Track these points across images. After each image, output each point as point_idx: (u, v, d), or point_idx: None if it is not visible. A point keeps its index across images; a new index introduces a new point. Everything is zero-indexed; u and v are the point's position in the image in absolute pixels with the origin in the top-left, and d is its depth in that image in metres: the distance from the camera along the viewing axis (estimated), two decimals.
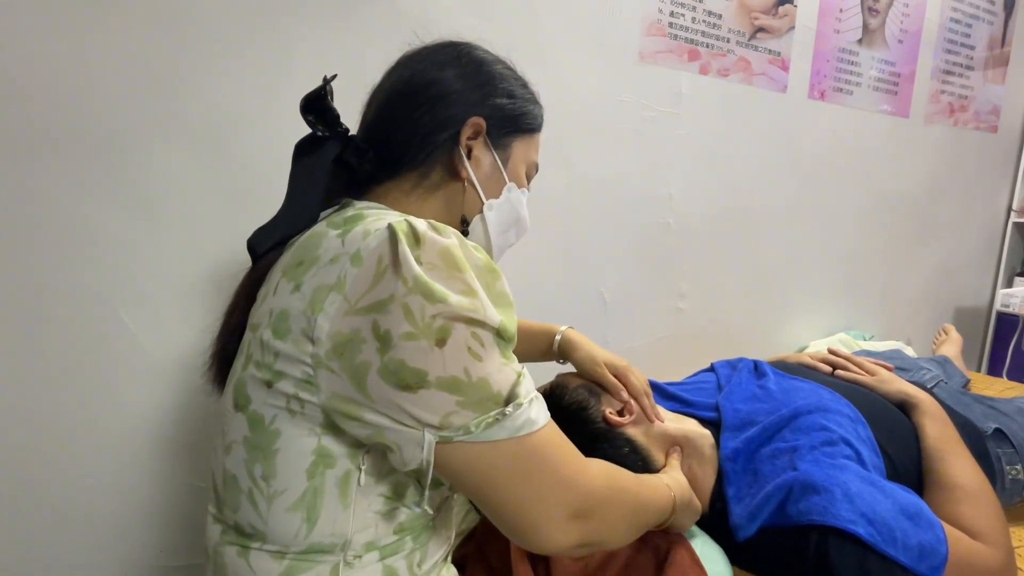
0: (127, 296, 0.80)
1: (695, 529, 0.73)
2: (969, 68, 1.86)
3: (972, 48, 1.85)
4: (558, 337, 0.85)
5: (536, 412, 0.49)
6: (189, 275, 0.84)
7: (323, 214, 0.58)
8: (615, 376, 0.78)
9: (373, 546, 0.51)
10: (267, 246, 0.57)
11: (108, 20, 0.74)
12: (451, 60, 0.62)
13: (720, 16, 1.31)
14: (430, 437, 0.46)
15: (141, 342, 0.82)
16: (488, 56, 0.65)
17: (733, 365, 0.99)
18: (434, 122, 0.60)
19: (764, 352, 1.39)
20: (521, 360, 1.08)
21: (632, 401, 0.76)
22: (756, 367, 0.96)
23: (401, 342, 0.44)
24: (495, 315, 0.48)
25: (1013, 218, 2.09)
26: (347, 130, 0.61)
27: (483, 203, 0.63)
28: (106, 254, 0.78)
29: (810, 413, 0.77)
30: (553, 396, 0.76)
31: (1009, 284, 2.12)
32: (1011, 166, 2.08)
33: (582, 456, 0.53)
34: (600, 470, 0.55)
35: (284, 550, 0.50)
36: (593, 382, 0.79)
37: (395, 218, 0.48)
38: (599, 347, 0.82)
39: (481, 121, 0.61)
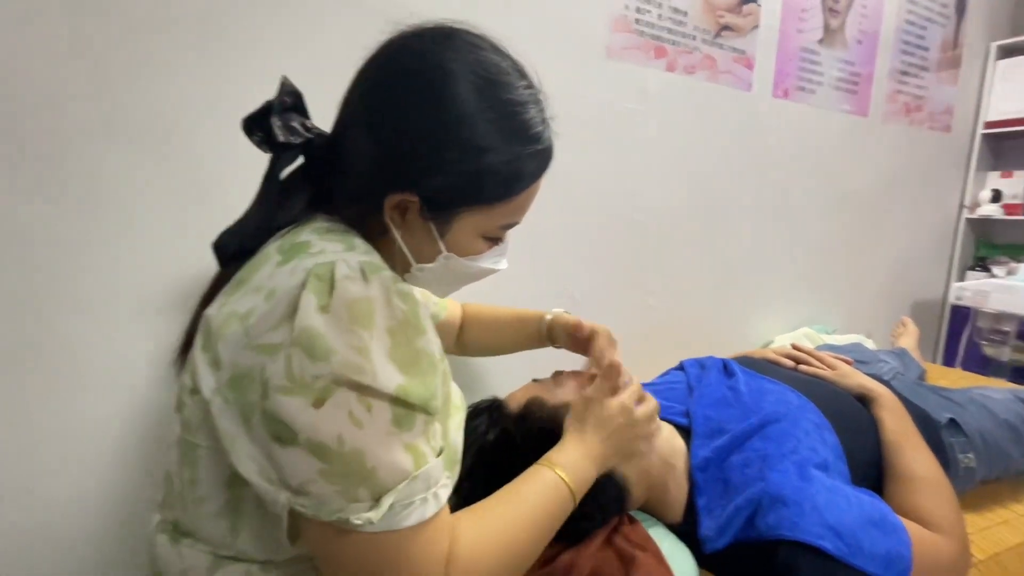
0: (65, 302, 0.76)
1: (664, 531, 0.73)
2: (924, 69, 1.91)
3: (926, 50, 1.91)
4: (548, 317, 0.83)
5: (405, 516, 0.43)
6: (134, 279, 0.79)
7: (283, 231, 0.54)
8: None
9: (303, 559, 0.50)
10: (230, 251, 0.55)
11: (48, 11, 0.70)
12: (417, 93, 0.51)
13: (686, 13, 1.32)
14: (283, 500, 0.43)
15: (79, 351, 0.77)
16: (470, 99, 0.51)
17: (702, 364, 1.00)
18: (367, 174, 0.53)
19: (732, 346, 1.41)
20: (513, 349, 0.94)
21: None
22: (725, 367, 0.97)
23: (276, 395, 0.42)
24: (389, 379, 0.43)
25: (965, 214, 2.17)
26: (305, 142, 0.55)
27: (412, 265, 0.57)
28: (41, 256, 0.74)
29: (778, 421, 0.77)
30: (528, 412, 0.72)
31: (962, 277, 2.21)
32: (963, 164, 2.16)
33: (445, 554, 0.46)
34: (478, 553, 0.48)
35: (215, 551, 0.49)
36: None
37: (331, 256, 0.46)
38: None
39: (411, 198, 0.52)
